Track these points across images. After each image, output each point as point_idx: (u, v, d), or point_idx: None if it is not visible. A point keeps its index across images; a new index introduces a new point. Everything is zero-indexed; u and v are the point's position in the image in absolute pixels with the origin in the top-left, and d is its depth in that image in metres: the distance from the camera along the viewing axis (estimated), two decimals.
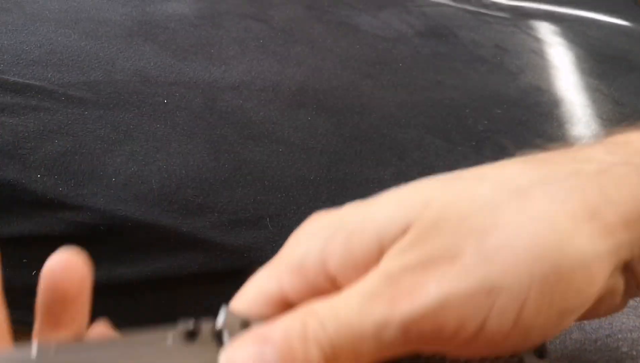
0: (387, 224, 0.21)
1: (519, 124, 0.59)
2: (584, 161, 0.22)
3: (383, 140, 0.53)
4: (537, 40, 0.75)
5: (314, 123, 0.52)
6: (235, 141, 0.49)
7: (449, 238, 0.20)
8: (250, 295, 0.23)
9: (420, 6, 0.76)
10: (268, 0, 0.67)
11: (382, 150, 0.52)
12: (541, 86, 0.66)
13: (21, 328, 0.25)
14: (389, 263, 0.20)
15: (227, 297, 0.23)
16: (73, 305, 0.22)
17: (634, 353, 0.29)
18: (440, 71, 0.63)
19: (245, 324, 0.21)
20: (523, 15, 0.80)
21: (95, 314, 0.24)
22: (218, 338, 0.21)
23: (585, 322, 0.30)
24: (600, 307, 0.22)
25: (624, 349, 0.29)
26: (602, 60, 0.73)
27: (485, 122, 0.58)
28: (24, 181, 0.42)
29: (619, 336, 0.29)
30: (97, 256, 0.42)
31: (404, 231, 0.20)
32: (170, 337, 0.21)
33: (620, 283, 0.22)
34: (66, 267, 0.22)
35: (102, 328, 0.24)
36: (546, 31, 0.77)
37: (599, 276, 0.20)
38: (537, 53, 0.72)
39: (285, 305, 0.22)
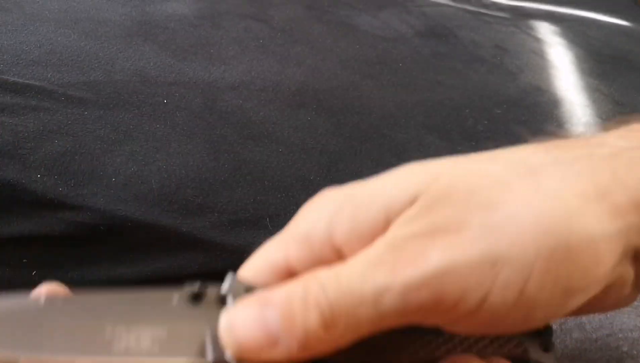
0: (394, 195, 0.21)
1: (519, 124, 0.59)
2: (597, 146, 0.22)
3: (383, 140, 0.53)
4: (537, 40, 0.75)
5: (313, 123, 0.52)
6: (235, 141, 0.49)
7: (456, 210, 0.20)
8: (257, 264, 0.23)
9: (420, 6, 0.76)
10: (268, 0, 0.67)
11: (382, 150, 0.52)
12: (541, 86, 0.65)
13: None
14: (394, 231, 0.20)
15: None
16: None
17: (635, 352, 0.29)
18: (440, 71, 0.63)
19: (249, 290, 0.22)
20: (523, 15, 0.80)
21: None
22: (222, 302, 0.22)
23: (586, 321, 0.30)
24: (608, 298, 0.22)
25: (625, 348, 0.29)
26: (602, 60, 0.73)
27: (485, 122, 0.58)
28: (24, 181, 0.42)
29: (620, 335, 0.29)
30: (97, 256, 0.42)
31: (411, 203, 0.20)
32: (175, 297, 0.22)
33: (629, 272, 0.21)
34: None
35: (54, 287, 0.23)
36: (546, 31, 0.77)
37: (607, 257, 0.20)
38: (537, 53, 0.72)
39: (290, 275, 0.22)
